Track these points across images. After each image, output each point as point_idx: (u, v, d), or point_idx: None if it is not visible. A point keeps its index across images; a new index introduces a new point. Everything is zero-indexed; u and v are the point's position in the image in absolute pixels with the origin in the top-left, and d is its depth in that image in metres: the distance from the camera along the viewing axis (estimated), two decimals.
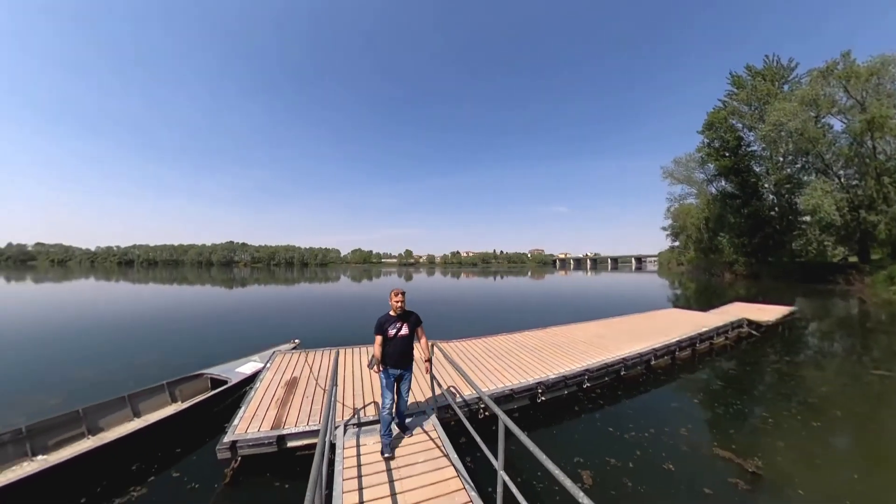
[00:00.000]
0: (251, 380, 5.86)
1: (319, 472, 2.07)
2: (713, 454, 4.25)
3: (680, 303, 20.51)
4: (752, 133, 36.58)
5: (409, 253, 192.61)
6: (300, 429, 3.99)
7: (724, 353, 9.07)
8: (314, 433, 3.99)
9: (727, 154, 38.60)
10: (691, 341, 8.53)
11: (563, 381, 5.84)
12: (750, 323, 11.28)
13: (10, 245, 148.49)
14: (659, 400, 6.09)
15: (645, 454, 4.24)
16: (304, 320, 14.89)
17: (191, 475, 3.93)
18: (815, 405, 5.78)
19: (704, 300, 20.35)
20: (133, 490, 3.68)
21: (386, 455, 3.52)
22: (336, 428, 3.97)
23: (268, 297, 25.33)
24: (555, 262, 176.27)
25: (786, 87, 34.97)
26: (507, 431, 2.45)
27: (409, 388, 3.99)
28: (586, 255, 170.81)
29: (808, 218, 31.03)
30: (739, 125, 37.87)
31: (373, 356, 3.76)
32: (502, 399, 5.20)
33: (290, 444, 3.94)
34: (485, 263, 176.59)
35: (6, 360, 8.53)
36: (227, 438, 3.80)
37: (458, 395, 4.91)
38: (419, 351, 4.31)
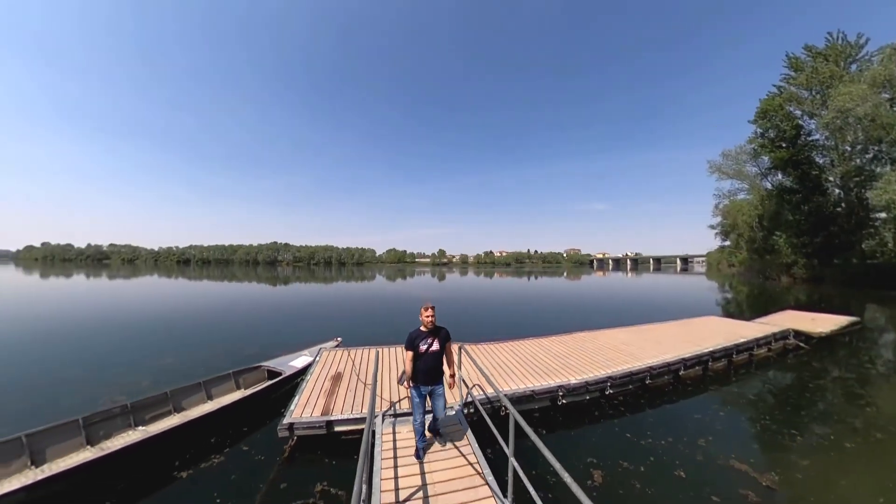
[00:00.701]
0: (302, 372, 6.71)
1: (367, 452, 2.61)
2: (728, 466, 4.36)
3: (731, 308, 19.34)
4: (812, 121, 33.26)
5: (442, 253, 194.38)
6: (345, 416, 4.68)
7: (765, 365, 8.67)
8: (357, 420, 4.65)
9: (784, 145, 35.36)
10: (726, 352, 8.32)
11: (585, 386, 6.10)
12: (798, 334, 10.64)
13: (89, 246, 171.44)
14: (683, 410, 6.14)
15: (658, 460, 4.46)
16: (344, 318, 16.02)
17: (257, 449, 4.73)
18: (854, 426, 5.53)
19: (758, 306, 18.93)
20: (213, 458, 4.53)
21: (420, 458, 3.74)
22: (375, 417, 4.59)
23: (310, 295, 27.19)
24: (592, 262, 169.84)
25: (853, 68, 31.37)
26: (523, 427, 2.83)
27: (445, 402, 4.01)
28: (626, 254, 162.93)
29: (882, 215, 27.85)
30: (798, 112, 34.54)
31: (403, 372, 3.84)
32: (523, 399, 5.60)
33: (337, 428, 4.63)
34: (518, 263, 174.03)
35: (104, 347, 10.17)
36: (285, 421, 4.56)
37: (481, 393, 5.37)
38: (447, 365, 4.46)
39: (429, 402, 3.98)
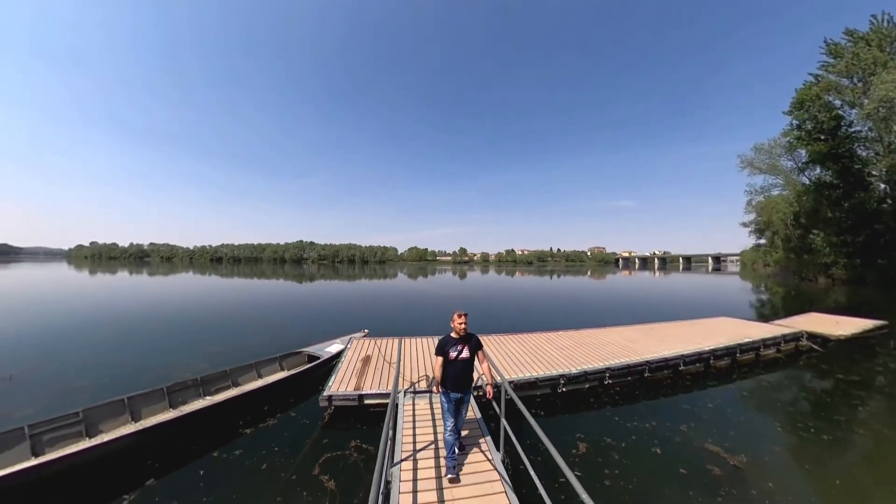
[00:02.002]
0: (336, 357, 7.77)
1: (391, 418, 3.40)
2: (703, 447, 4.95)
3: (764, 311, 18.90)
4: (854, 111, 31.35)
5: (463, 251, 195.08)
6: (374, 391, 5.65)
7: (772, 366, 8.90)
8: (383, 395, 5.61)
9: (822, 137, 33.40)
10: (728, 351, 8.68)
11: (584, 375, 6.78)
12: (814, 336, 10.69)
13: (131, 245, 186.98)
14: (675, 401, 6.68)
15: (639, 439, 5.13)
16: (369, 313, 17.20)
17: (301, 416, 5.79)
18: (839, 422, 5.87)
19: (790, 308, 18.00)
20: (269, 420, 5.63)
21: (450, 476, 3.49)
22: (399, 392, 5.51)
23: (338, 291, 28.82)
24: (617, 260, 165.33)
25: None
26: (524, 409, 3.32)
27: (468, 410, 4.04)
28: (654, 253, 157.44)
29: None
30: (837, 102, 32.56)
31: (433, 377, 3.90)
32: (526, 386, 6.36)
33: (366, 401, 5.62)
34: (541, 262, 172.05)
35: (168, 336, 11.77)
36: (325, 393, 5.59)
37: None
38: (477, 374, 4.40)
39: None
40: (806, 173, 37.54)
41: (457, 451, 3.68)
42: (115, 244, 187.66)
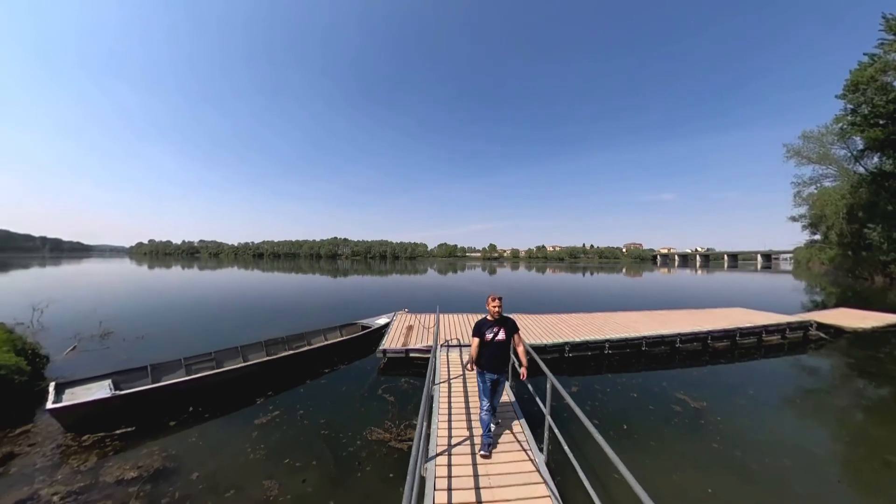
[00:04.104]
0: (383, 327, 9.71)
1: (432, 367, 4.80)
2: (673, 395, 6.25)
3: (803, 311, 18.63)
4: None
5: (492, 247, 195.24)
6: (417, 346, 7.50)
7: (774, 350, 9.53)
8: (424, 350, 7.44)
9: (881, 122, 30.97)
10: (727, 333, 9.61)
11: (586, 344, 8.20)
12: (825, 327, 11.16)
13: (183, 242, 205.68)
14: (665, 368, 7.92)
15: (623, 386, 6.57)
16: (407, 297, 19.26)
17: (362, 366, 7.74)
18: (809, 392, 6.88)
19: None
20: (340, 366, 7.63)
21: (483, 453, 3.66)
22: (435, 348, 7.27)
23: (373, 284, 31.36)
24: (655, 257, 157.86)
25: None
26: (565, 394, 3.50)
27: (503, 391, 4.24)
28: (696, 249, 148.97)
29: None
30: None
31: (469, 356, 3.95)
32: (536, 351, 7.81)
33: (411, 355, 7.47)
34: (573, 258, 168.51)
35: (247, 311, 14.41)
36: (381, 348, 7.54)
37: None
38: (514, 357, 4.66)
39: None
40: (862, 162, 34.98)
41: (492, 428, 3.88)
42: (169, 241, 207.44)
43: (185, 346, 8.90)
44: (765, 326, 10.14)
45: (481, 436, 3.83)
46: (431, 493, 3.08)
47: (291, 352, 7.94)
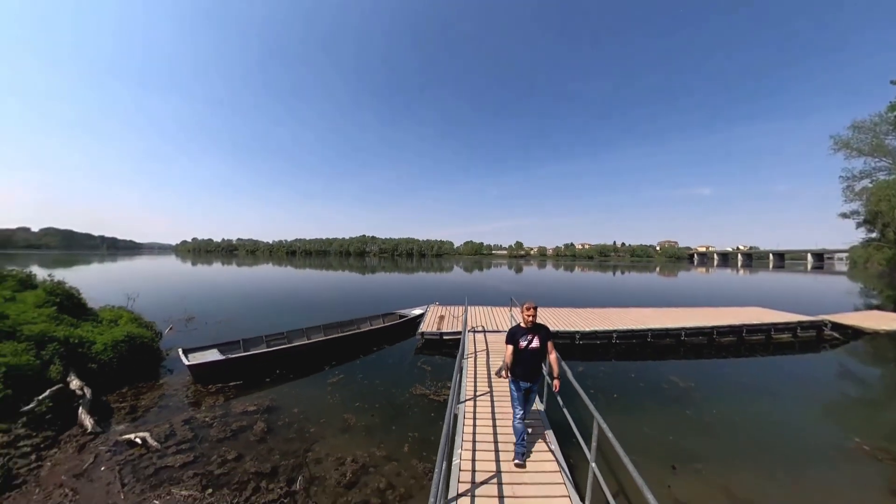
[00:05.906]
0: (419, 316, 11.31)
1: (462, 347, 6.33)
2: (667, 378, 7.31)
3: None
4: None
5: (519, 245, 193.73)
6: (449, 330, 9.08)
7: (784, 348, 9.97)
8: (455, 333, 8.99)
9: None
10: (733, 329, 10.34)
11: (595, 333, 9.36)
12: (841, 327, 11.43)
13: (223, 240, 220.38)
14: (667, 357, 8.93)
15: (624, 369, 7.75)
16: (433, 295, 20.91)
17: (403, 346, 9.38)
18: (801, 382, 7.67)
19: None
20: (384, 346, 9.31)
21: (517, 462, 3.67)
22: (464, 331, 8.75)
23: (401, 281, 33.40)
24: (691, 256, 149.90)
25: None
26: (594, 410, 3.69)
27: (535, 399, 4.32)
28: (737, 248, 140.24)
29: None
30: None
31: (503, 363, 3.88)
32: None
33: (445, 337, 9.03)
34: (603, 257, 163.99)
35: (298, 302, 16.59)
36: (419, 331, 9.16)
37: None
38: (546, 366, 4.47)
39: None
40: None
41: (525, 437, 3.81)
42: (210, 239, 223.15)
43: (251, 327, 10.96)
44: (773, 324, 10.72)
45: (514, 444, 3.81)
46: (455, 484, 3.31)
47: (346, 332, 9.71)
